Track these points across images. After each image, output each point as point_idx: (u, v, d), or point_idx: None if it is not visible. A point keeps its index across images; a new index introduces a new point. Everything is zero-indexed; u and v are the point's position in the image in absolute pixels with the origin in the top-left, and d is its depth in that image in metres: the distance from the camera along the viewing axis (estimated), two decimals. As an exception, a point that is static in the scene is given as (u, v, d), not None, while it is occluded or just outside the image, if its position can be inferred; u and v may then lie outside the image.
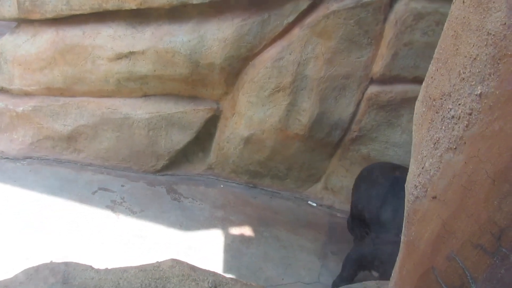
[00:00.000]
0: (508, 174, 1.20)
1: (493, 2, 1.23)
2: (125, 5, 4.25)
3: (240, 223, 4.40)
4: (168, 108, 4.73)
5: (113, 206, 4.32)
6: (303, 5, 4.11)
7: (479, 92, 1.28)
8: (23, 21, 4.68)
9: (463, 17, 1.37)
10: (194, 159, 5.07)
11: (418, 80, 4.26)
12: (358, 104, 4.44)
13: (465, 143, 1.34)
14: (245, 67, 4.46)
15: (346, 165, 4.77)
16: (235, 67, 4.44)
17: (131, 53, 4.45)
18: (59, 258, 2.36)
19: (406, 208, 1.67)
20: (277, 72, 4.31)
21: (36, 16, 4.49)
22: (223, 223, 4.35)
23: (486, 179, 1.27)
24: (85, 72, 4.62)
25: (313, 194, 5.04)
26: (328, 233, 4.51)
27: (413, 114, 4.67)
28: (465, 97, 1.33)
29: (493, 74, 1.23)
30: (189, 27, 4.33)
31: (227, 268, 3.75)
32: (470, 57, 1.32)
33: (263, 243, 4.19)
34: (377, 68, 4.24)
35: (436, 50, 1.60)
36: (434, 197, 1.47)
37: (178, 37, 4.33)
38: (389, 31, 4.11)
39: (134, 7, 4.23)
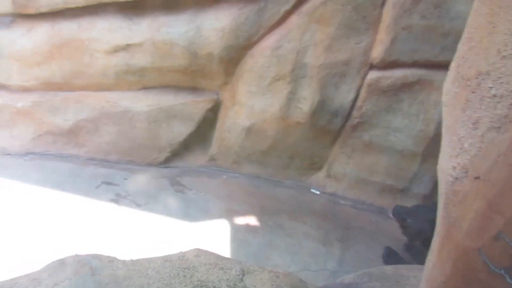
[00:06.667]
0: None
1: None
2: (121, -3, 4.21)
3: (244, 213, 4.42)
4: (168, 100, 4.71)
5: (117, 199, 4.34)
6: (301, -8, 4.06)
7: None
8: (18, 16, 4.62)
9: None
10: (196, 151, 5.06)
11: (418, 64, 4.24)
12: (358, 91, 4.42)
13: (510, 121, 1.29)
14: (244, 56, 4.43)
15: (348, 152, 4.78)
16: (234, 56, 4.40)
17: (128, 45, 4.41)
18: (69, 252, 2.35)
19: (443, 189, 1.62)
20: (276, 60, 4.28)
21: (31, 10, 4.44)
22: (228, 214, 4.37)
23: None
24: (83, 66, 4.58)
25: (316, 182, 5.05)
26: (332, 220, 4.53)
27: (413, 98, 4.61)
28: (508, 75, 1.29)
29: None
30: (186, 18, 4.28)
31: (234, 257, 3.78)
32: None
33: (268, 232, 4.21)
34: (376, 53, 4.21)
35: (465, 29, 1.54)
36: (477, 177, 1.43)
37: (175, 28, 4.28)
38: (387, 16, 4.06)
39: (130, -1, 4.19)
